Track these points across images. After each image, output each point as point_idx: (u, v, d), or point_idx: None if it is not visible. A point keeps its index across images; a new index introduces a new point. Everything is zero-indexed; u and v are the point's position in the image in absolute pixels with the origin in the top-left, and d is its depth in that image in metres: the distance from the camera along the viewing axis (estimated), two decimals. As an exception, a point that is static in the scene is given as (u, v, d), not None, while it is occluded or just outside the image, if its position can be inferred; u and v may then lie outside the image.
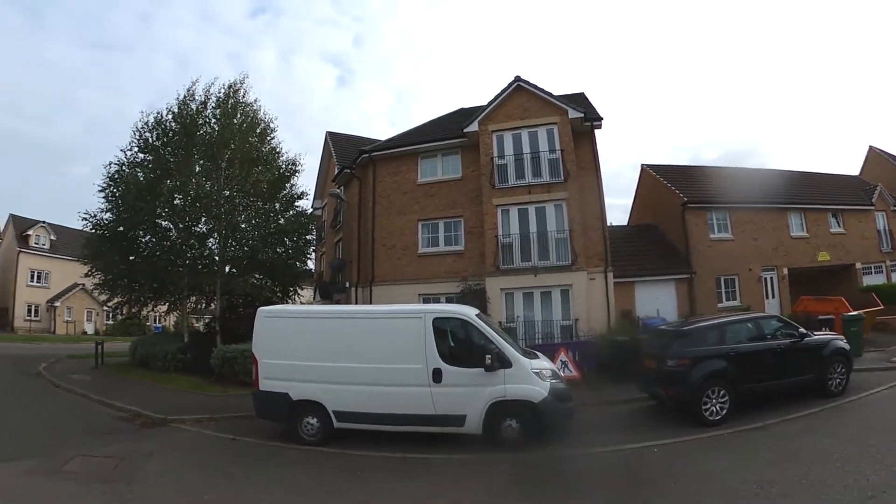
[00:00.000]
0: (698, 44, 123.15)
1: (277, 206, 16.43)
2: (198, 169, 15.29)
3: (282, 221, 16.48)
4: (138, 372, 14.53)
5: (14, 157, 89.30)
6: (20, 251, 34.72)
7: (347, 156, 21.70)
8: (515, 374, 7.22)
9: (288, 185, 16.66)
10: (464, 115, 19.97)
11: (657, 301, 16.68)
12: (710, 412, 7.68)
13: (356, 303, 18.31)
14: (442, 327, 7.59)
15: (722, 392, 7.72)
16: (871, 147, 23.26)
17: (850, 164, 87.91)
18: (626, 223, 23.30)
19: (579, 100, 17.75)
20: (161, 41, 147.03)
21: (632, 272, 16.84)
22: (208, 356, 13.53)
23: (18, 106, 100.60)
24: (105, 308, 37.59)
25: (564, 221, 15.25)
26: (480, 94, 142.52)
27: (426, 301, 16.35)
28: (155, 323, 36.80)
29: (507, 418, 7.12)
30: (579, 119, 15.97)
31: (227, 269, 16.04)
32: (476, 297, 14.83)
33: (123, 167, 15.48)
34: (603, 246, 15.63)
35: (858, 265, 19.12)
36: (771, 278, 18.27)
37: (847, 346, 8.96)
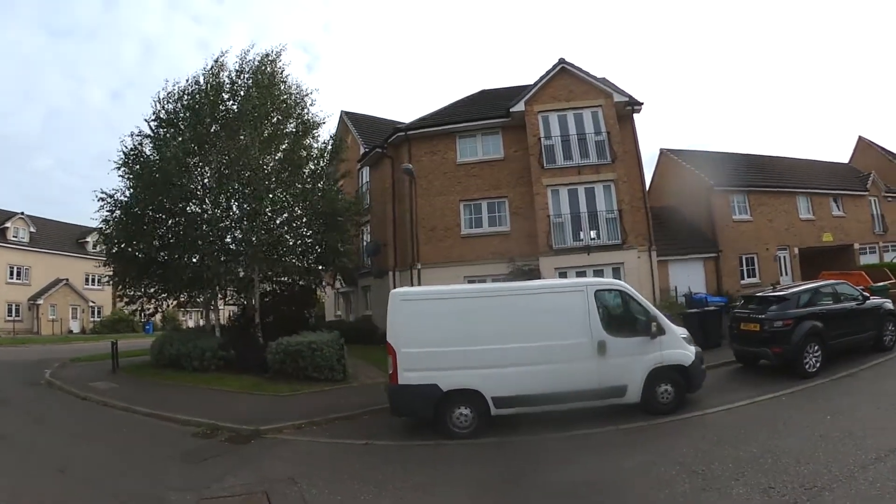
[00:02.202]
0: (677, 31, 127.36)
1: (319, 185, 15.43)
2: (233, 142, 13.85)
3: (319, 200, 15.38)
4: (170, 374, 12.73)
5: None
6: (-3, 246, 31.70)
7: (367, 136, 21.32)
8: (669, 340, 7.53)
9: (334, 163, 15.99)
10: (488, 97, 20.06)
11: (688, 278, 17.51)
12: (808, 365, 8.68)
13: (395, 288, 18.08)
14: (603, 299, 7.60)
15: (816, 347, 8.76)
16: (860, 137, 25.27)
17: (829, 151, 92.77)
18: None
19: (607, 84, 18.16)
20: (127, 28, 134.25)
21: (665, 251, 17.53)
22: (251, 351, 12.65)
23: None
24: (91, 305, 35.02)
25: (613, 202, 15.73)
26: (463, 83, 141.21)
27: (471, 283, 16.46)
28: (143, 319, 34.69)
29: (662, 383, 7.37)
30: (622, 103, 16.40)
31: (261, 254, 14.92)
32: (526, 278, 15.00)
33: (144, 141, 14.23)
34: (646, 226, 16.26)
35: (856, 245, 20.82)
36: (784, 257, 19.58)
37: (894, 308, 10.36)
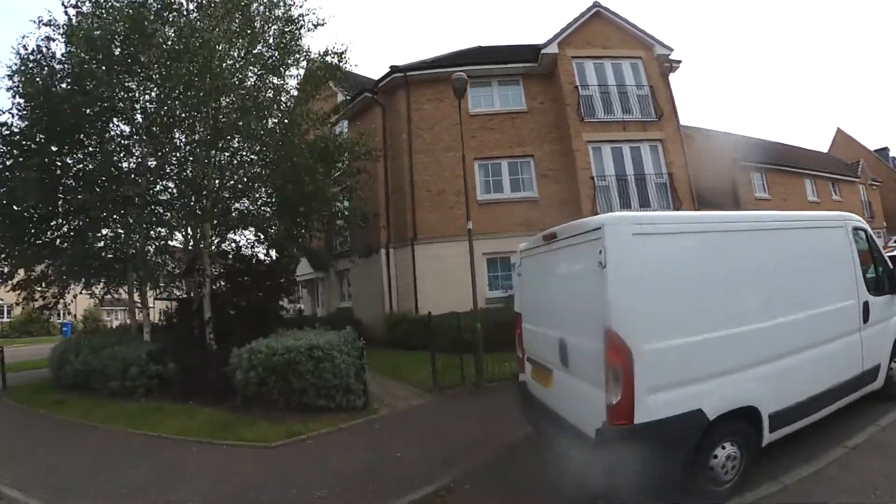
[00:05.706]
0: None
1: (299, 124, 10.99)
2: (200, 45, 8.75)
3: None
4: (76, 403, 8.22)
5: None
6: None
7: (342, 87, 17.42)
8: None
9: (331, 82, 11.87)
10: (487, 52, 17.07)
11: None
12: None
13: (389, 270, 14.37)
14: (856, 241, 4.94)
15: None
16: (838, 129, 25.73)
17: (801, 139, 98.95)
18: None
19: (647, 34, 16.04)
20: None
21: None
22: (205, 365, 8.17)
23: None
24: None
25: (661, 164, 13.50)
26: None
27: (492, 262, 13.36)
28: (61, 319, 27.76)
29: (893, 359, 5.13)
30: (663, 57, 14.32)
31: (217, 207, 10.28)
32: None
33: (55, 39, 9.37)
34: (690, 194, 14.19)
35: (851, 231, 20.62)
36: (797, 239, 18.73)
37: None
